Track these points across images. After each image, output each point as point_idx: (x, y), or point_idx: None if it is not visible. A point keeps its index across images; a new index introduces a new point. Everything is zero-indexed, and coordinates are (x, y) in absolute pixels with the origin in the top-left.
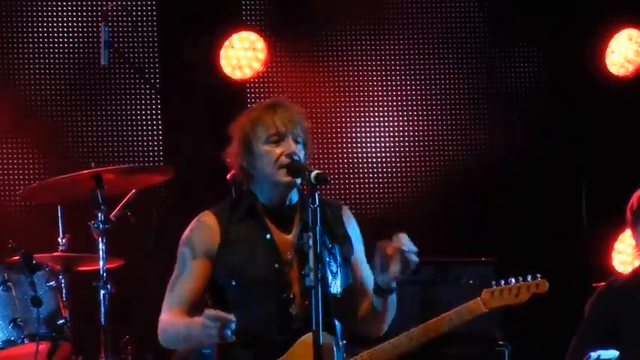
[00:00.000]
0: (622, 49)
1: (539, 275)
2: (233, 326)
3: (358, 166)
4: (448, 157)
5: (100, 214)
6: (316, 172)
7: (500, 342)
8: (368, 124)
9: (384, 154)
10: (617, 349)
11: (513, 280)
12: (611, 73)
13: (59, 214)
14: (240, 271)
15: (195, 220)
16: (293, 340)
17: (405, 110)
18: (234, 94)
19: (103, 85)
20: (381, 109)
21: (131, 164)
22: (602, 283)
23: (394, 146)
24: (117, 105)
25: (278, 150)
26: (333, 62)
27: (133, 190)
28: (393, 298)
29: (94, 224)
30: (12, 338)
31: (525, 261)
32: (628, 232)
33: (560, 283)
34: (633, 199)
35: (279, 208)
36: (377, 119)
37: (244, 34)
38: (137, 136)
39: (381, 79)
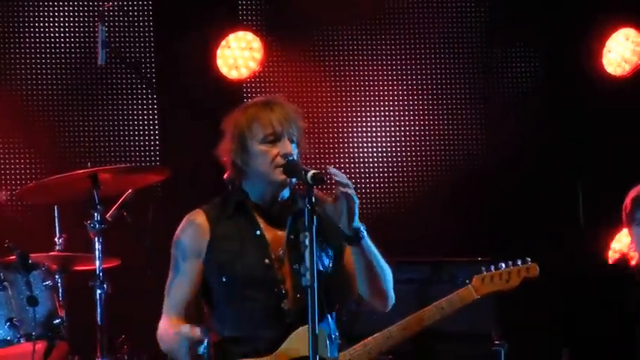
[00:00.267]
0: (619, 48)
1: (529, 259)
2: (203, 346)
3: (354, 165)
4: (445, 156)
5: (96, 214)
6: (313, 172)
7: (497, 341)
8: (364, 124)
9: (379, 154)
10: None
11: (503, 265)
12: (608, 72)
13: (55, 214)
14: (230, 268)
15: (184, 219)
16: (286, 335)
17: (401, 110)
18: (231, 93)
19: (100, 84)
20: (377, 108)
21: (127, 164)
22: None
23: (390, 146)
24: (113, 105)
25: (274, 150)
26: (330, 62)
27: (130, 190)
28: (368, 244)
29: (90, 224)
30: (8, 338)
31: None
32: (625, 231)
33: (557, 282)
34: (627, 201)
35: (270, 204)
36: (373, 119)
37: (241, 33)
38: (133, 136)
39: (378, 78)
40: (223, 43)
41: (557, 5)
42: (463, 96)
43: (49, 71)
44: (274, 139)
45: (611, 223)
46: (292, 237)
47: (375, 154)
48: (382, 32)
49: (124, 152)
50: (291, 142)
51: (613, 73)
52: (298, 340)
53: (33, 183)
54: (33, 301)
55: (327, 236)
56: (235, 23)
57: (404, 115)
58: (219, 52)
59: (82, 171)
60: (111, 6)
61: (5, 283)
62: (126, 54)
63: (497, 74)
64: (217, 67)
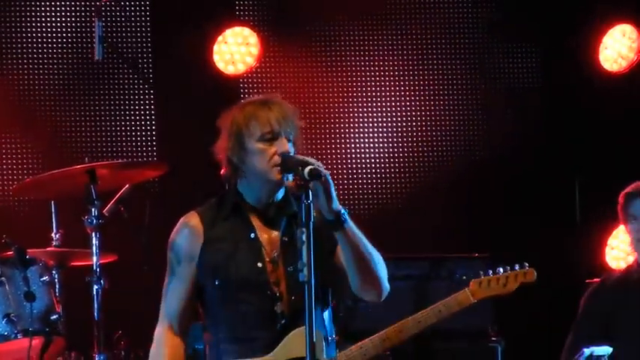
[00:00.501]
0: (616, 44)
1: (527, 264)
2: None
3: (352, 162)
4: (442, 153)
5: (93, 210)
6: (309, 167)
7: (494, 338)
8: (362, 120)
9: (377, 151)
10: (610, 346)
11: (501, 270)
12: (604, 69)
13: (52, 210)
14: (224, 271)
15: (179, 222)
16: (281, 338)
17: (400, 106)
18: (228, 89)
19: (97, 80)
20: (375, 105)
21: (125, 159)
22: (596, 280)
23: (388, 142)
24: (110, 100)
25: (272, 149)
26: (327, 58)
27: (127, 186)
28: (352, 228)
29: (87, 219)
30: (5, 333)
31: (518, 257)
32: (622, 227)
33: (553, 279)
34: (620, 198)
35: (265, 205)
36: (371, 115)
37: (238, 29)
38: (131, 132)
39: (376, 75)
40: (220, 38)
41: (554, 2)
42: (461, 92)
43: (46, 66)
44: (272, 137)
45: (609, 220)
46: (286, 239)
47: (372, 151)
48: (380, 28)
49: (121, 147)
50: (288, 140)
51: (610, 69)
52: (294, 341)
53: (30, 178)
54: (30, 297)
55: (319, 237)
56: (232, 18)
57: (402, 112)
58: (216, 47)
59: (79, 166)
60: (108, 1)
61: (2, 279)
62: (123, 49)
63: (494, 71)
64: (214, 63)
